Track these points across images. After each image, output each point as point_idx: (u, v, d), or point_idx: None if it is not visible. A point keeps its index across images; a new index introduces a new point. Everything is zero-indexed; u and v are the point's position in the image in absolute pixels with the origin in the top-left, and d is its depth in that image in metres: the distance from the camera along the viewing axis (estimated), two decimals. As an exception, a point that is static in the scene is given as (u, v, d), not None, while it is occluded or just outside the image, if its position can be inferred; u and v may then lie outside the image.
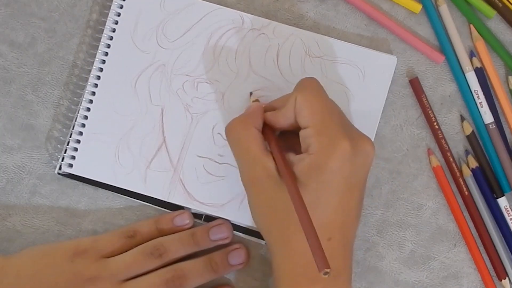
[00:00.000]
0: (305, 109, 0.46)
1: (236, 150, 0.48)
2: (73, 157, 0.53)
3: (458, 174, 0.54)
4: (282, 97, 0.50)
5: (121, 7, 0.54)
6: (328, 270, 0.39)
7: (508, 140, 0.55)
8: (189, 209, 0.53)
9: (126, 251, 0.50)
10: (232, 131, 0.48)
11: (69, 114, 0.55)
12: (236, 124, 0.48)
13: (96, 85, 0.54)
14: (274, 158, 0.46)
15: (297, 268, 0.45)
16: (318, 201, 0.44)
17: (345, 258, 0.47)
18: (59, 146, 0.54)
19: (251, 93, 0.53)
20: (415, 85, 0.54)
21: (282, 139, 0.49)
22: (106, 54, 0.54)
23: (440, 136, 0.54)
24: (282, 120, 0.47)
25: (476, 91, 0.54)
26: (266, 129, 0.48)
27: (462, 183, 0.54)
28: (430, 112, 0.54)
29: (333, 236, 0.45)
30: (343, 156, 0.44)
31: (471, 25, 0.55)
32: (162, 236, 0.51)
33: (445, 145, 0.54)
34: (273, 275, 0.48)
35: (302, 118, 0.46)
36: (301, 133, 0.46)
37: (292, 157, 0.47)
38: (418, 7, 0.55)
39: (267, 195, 0.46)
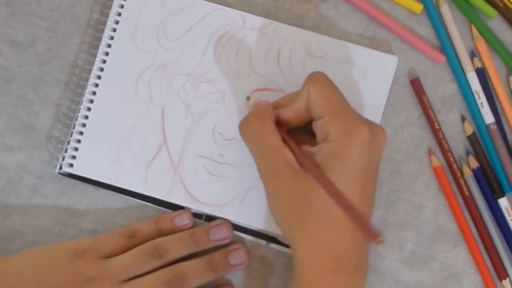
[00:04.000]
0: (320, 99, 0.46)
1: (254, 144, 0.48)
2: (74, 157, 0.53)
3: (458, 174, 0.54)
4: (289, 94, 0.50)
5: (122, 6, 0.54)
6: (382, 238, 0.40)
7: (509, 141, 0.55)
8: (189, 209, 0.53)
9: (126, 252, 0.50)
10: (247, 126, 0.48)
11: (70, 113, 0.55)
12: (251, 118, 0.48)
13: (97, 85, 0.54)
14: (292, 150, 0.46)
15: (321, 263, 0.45)
16: (341, 188, 0.44)
17: (366, 250, 0.47)
18: (59, 145, 0.54)
19: (248, 98, 0.53)
20: (416, 85, 0.54)
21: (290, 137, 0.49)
22: (107, 53, 0.54)
23: (441, 136, 0.54)
24: (293, 114, 0.48)
25: (477, 92, 0.54)
26: (277, 125, 0.48)
27: (462, 183, 0.54)
28: (430, 112, 0.54)
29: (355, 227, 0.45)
30: (363, 141, 0.45)
31: (472, 25, 0.55)
32: (162, 236, 0.51)
33: (445, 145, 0.54)
34: (294, 271, 0.47)
35: (317, 109, 0.46)
36: (317, 123, 0.46)
37: (308, 148, 0.47)
38: (419, 7, 0.55)
39: (288, 187, 0.46)
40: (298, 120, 0.48)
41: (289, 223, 0.47)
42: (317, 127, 0.47)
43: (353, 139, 0.44)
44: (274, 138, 0.47)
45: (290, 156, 0.46)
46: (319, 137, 0.47)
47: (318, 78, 0.47)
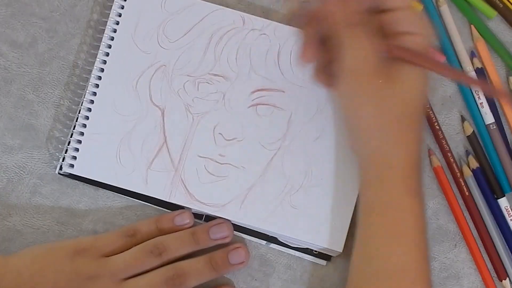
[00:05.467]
0: None
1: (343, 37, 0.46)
2: (74, 157, 0.53)
3: (458, 174, 0.54)
4: None
5: (122, 7, 0.54)
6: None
7: (509, 141, 0.55)
8: (189, 209, 0.53)
9: (126, 250, 0.51)
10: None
11: (70, 114, 0.55)
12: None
13: (97, 85, 0.54)
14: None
15: (414, 168, 0.46)
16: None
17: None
18: (60, 146, 0.54)
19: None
20: (416, 85, 0.54)
21: None
22: (107, 54, 0.54)
23: (441, 137, 0.54)
24: None
25: (476, 92, 0.54)
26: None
27: (462, 183, 0.54)
28: (430, 112, 0.54)
29: None
30: None
31: (472, 26, 0.55)
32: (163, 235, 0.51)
33: (445, 145, 0.54)
34: (371, 186, 0.47)
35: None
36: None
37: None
38: (419, 8, 0.55)
39: (374, 90, 0.45)
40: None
41: (375, 131, 0.46)
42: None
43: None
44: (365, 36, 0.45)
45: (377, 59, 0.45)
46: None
47: None
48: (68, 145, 0.53)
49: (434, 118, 0.54)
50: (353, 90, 0.46)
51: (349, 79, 0.46)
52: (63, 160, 0.54)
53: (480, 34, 0.55)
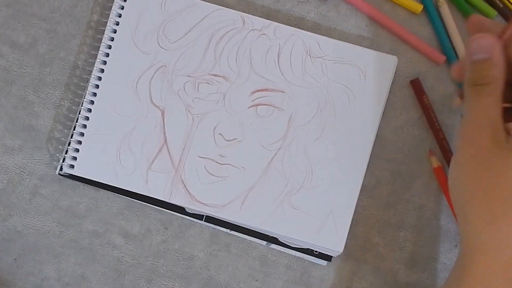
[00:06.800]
0: None
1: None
2: (74, 158, 0.53)
3: (459, 174, 0.54)
4: None
5: (122, 8, 0.54)
6: None
7: (509, 141, 0.55)
8: (189, 209, 0.53)
9: None
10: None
11: (70, 115, 0.55)
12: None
13: (97, 86, 0.54)
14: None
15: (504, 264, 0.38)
16: None
17: None
18: (60, 147, 0.54)
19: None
20: (416, 85, 0.55)
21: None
22: (107, 55, 0.54)
23: (441, 137, 0.54)
24: None
25: (477, 92, 0.54)
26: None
27: (463, 183, 0.54)
28: (431, 112, 0.54)
29: None
30: None
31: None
32: None
33: (446, 145, 0.54)
34: (461, 273, 0.40)
35: None
36: None
37: None
38: (419, 8, 0.55)
39: (486, 160, 0.38)
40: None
41: (472, 201, 0.39)
42: None
43: None
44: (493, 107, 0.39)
45: (500, 127, 0.39)
46: None
47: None
48: (68, 145, 0.53)
49: (434, 118, 0.54)
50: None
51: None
52: (63, 161, 0.54)
53: (480, 34, 0.55)
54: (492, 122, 0.39)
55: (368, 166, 0.53)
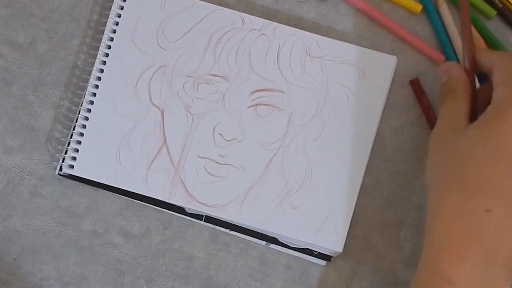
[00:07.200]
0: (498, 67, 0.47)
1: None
2: (74, 158, 0.53)
3: (458, 174, 0.54)
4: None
5: (122, 8, 0.54)
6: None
7: (509, 141, 0.55)
8: (189, 209, 0.53)
9: None
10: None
11: (70, 115, 0.55)
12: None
13: (96, 86, 0.54)
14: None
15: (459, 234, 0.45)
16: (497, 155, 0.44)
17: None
18: (59, 147, 0.55)
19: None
20: (416, 85, 0.55)
21: None
22: (107, 55, 0.54)
23: (441, 137, 0.54)
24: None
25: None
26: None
27: (462, 183, 0.54)
28: (430, 112, 0.54)
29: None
30: None
31: (472, 26, 0.55)
32: None
33: (445, 145, 0.54)
34: (431, 240, 0.46)
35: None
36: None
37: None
38: (418, 8, 0.55)
39: (445, 144, 0.47)
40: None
41: (433, 175, 0.47)
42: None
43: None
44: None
45: (461, 119, 0.47)
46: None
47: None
48: (68, 145, 0.53)
49: (434, 118, 0.54)
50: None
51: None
52: (63, 161, 0.54)
53: (480, 34, 0.55)
54: (453, 117, 0.48)
55: (367, 166, 0.53)
